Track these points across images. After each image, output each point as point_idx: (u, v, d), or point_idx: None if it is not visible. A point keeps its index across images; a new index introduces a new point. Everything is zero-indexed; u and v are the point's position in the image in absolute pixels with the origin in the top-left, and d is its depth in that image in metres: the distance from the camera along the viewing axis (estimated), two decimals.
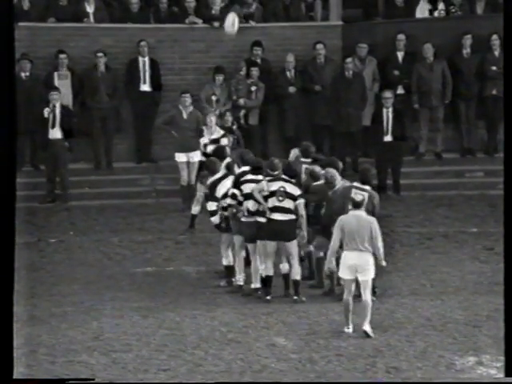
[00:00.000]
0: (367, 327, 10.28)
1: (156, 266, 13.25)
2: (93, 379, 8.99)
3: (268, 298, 11.52)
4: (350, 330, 10.39)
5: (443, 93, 17.12)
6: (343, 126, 16.80)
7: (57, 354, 9.97)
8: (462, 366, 9.61)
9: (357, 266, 10.25)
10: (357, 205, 10.35)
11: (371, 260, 10.28)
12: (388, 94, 16.57)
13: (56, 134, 16.05)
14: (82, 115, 16.76)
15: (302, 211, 11.37)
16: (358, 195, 10.53)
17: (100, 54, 16.65)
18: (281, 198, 11.34)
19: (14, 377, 8.37)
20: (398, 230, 14.48)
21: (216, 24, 17.22)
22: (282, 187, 11.37)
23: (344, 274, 10.34)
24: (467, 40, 17.20)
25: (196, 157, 15.53)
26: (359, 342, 10.24)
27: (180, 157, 15.82)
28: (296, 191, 11.42)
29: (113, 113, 16.92)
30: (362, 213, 10.33)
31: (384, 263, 10.34)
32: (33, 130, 16.34)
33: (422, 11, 17.68)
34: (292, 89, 17.00)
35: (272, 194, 11.38)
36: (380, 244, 10.26)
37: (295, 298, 11.46)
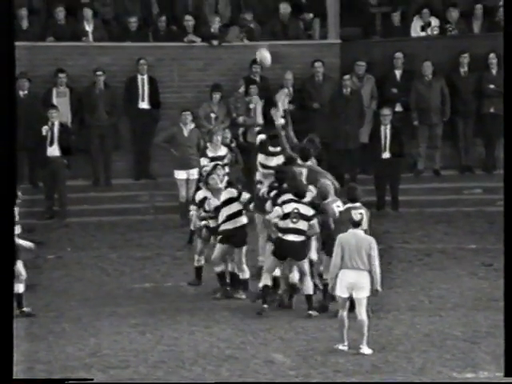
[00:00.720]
0: (365, 349, 10.30)
1: (154, 282, 13.23)
2: (92, 379, 8.95)
3: (265, 306, 11.57)
4: (346, 348, 10.36)
5: (442, 110, 17.17)
6: (341, 143, 16.84)
7: (54, 370, 9.93)
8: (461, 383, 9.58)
9: (354, 284, 10.30)
10: (356, 224, 10.44)
11: (368, 278, 10.31)
12: (386, 111, 16.62)
13: (54, 151, 16.09)
14: (81, 132, 16.81)
15: (317, 229, 11.57)
16: (356, 215, 10.59)
17: (99, 73, 16.71)
18: (295, 220, 11.49)
19: None
20: (396, 246, 14.47)
21: (215, 42, 17.30)
22: (296, 209, 11.52)
23: (341, 291, 10.37)
24: (464, 58, 17.27)
25: (196, 174, 15.57)
26: (357, 358, 10.21)
27: (179, 174, 15.85)
28: (309, 212, 11.55)
29: (111, 130, 16.97)
30: (360, 231, 10.41)
31: (379, 289, 10.39)
32: (31, 148, 16.37)
33: (415, 28, 17.78)
34: (290, 106, 17.04)
35: (286, 215, 11.51)
36: (377, 266, 10.29)
37: (309, 312, 11.52)
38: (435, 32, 17.70)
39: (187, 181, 15.72)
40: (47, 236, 15.36)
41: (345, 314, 10.33)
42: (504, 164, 8.79)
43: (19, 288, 11.59)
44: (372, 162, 16.81)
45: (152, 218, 16.22)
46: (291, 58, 17.30)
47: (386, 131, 16.54)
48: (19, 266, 11.65)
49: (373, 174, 16.72)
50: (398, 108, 17.20)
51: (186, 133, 15.83)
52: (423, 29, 17.69)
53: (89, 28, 17.20)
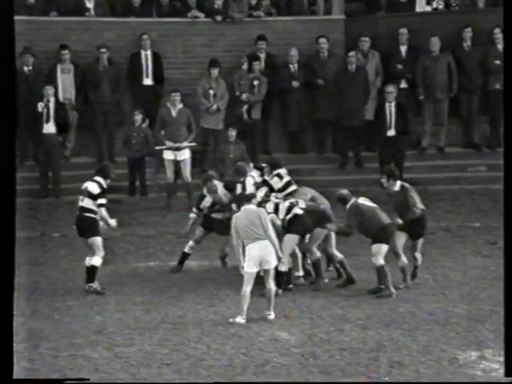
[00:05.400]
0: (272, 315, 10.65)
1: (159, 261, 13.27)
2: (88, 379, 8.95)
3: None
4: (243, 321, 10.59)
5: (448, 86, 17.09)
6: (346, 121, 16.78)
7: (60, 348, 9.98)
8: (465, 361, 9.62)
9: (261, 257, 10.63)
10: (247, 199, 11.01)
11: (271, 248, 10.66)
12: (391, 88, 16.54)
13: (50, 128, 16.00)
14: (85, 109, 16.76)
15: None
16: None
17: (103, 50, 16.64)
18: None
19: (16, 371, 8.37)
20: None
21: (218, 18, 17.20)
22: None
23: (249, 267, 10.59)
24: (467, 33, 17.17)
25: (183, 155, 15.50)
26: (362, 336, 10.26)
27: (167, 154, 15.77)
28: None
29: (115, 107, 16.92)
30: (251, 206, 10.83)
31: (281, 255, 10.82)
32: (34, 124, 16.32)
33: (420, 3, 17.67)
34: (295, 83, 16.98)
35: None
36: (272, 234, 10.66)
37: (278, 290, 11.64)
38: (440, 7, 17.59)
39: (175, 162, 15.63)
40: (52, 214, 15.38)
41: (249, 289, 10.57)
42: (504, 141, 8.75)
43: (97, 261, 11.71)
44: (377, 140, 16.75)
45: (156, 196, 16.20)
46: (295, 33, 17.21)
47: (390, 108, 16.47)
48: (99, 241, 11.72)
49: (377, 151, 16.67)
50: (403, 85, 17.12)
51: (174, 113, 15.72)
52: (428, 3, 17.58)
53: (90, 5, 17.10)
